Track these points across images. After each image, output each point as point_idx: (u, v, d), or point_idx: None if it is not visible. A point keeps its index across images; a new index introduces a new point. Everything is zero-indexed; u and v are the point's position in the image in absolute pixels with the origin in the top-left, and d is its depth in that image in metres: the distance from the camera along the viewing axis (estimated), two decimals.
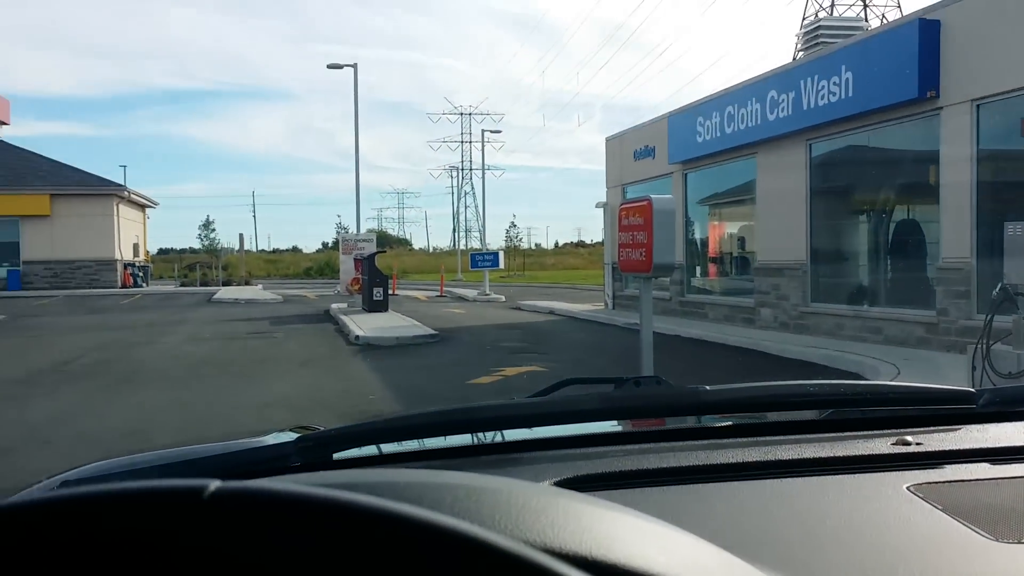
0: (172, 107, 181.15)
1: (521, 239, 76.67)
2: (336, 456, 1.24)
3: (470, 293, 32.19)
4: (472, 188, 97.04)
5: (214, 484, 0.51)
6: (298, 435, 1.28)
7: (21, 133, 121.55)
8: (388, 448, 1.30)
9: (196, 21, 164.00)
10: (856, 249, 14.81)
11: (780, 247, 15.49)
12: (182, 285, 42.92)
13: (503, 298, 29.60)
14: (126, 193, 39.45)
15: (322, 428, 1.35)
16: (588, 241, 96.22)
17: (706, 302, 18.68)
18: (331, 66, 27.84)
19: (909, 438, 1.31)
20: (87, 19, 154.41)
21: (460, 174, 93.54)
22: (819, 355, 12.13)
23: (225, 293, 33.26)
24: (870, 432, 1.38)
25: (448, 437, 1.37)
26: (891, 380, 9.64)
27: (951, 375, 10.06)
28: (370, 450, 1.28)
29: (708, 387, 1.40)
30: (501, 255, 34.25)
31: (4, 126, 18.78)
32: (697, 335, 15.48)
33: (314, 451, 1.23)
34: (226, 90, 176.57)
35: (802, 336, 14.20)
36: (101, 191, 38.02)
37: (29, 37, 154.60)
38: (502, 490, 0.65)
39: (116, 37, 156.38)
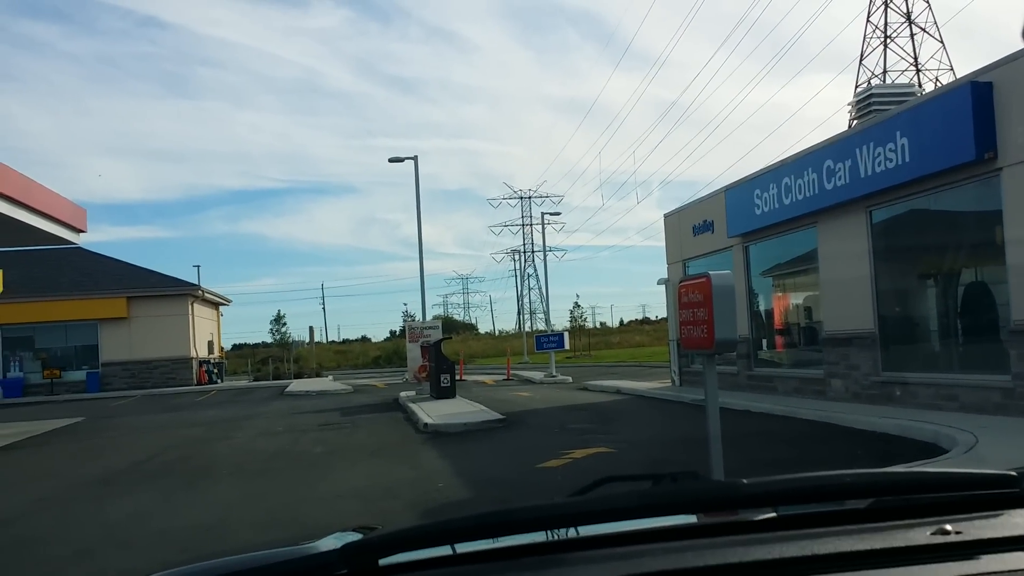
0: (241, 206, 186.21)
1: (585, 319, 76.46)
2: (382, 562, 1.30)
3: (537, 375, 32.15)
4: (535, 270, 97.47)
5: None
6: (359, 536, 1.35)
7: (97, 239, 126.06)
8: (431, 553, 1.36)
9: (260, 123, 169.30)
10: (925, 314, 14.54)
11: (847, 316, 15.28)
12: (255, 380, 43.66)
13: (570, 379, 29.51)
14: (200, 292, 40.53)
15: (380, 528, 1.42)
16: (653, 318, 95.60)
17: (775, 375, 18.41)
18: (392, 160, 28.58)
19: (948, 527, 1.31)
20: (155, 127, 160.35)
21: (522, 257, 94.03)
22: (893, 425, 11.84)
23: (297, 386, 33.75)
24: (910, 521, 1.38)
25: (489, 540, 1.41)
26: (968, 450, 9.38)
27: None
28: (414, 555, 1.34)
29: (746, 480, 1.38)
30: (566, 336, 34.24)
31: (81, 234, 19.54)
32: (767, 409, 15.24)
33: (359, 559, 1.28)
34: (292, 187, 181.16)
35: (875, 406, 13.89)
36: (176, 291, 39.13)
37: (101, 146, 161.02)
38: None
39: (184, 142, 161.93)
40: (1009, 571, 1.17)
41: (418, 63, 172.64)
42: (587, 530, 1.41)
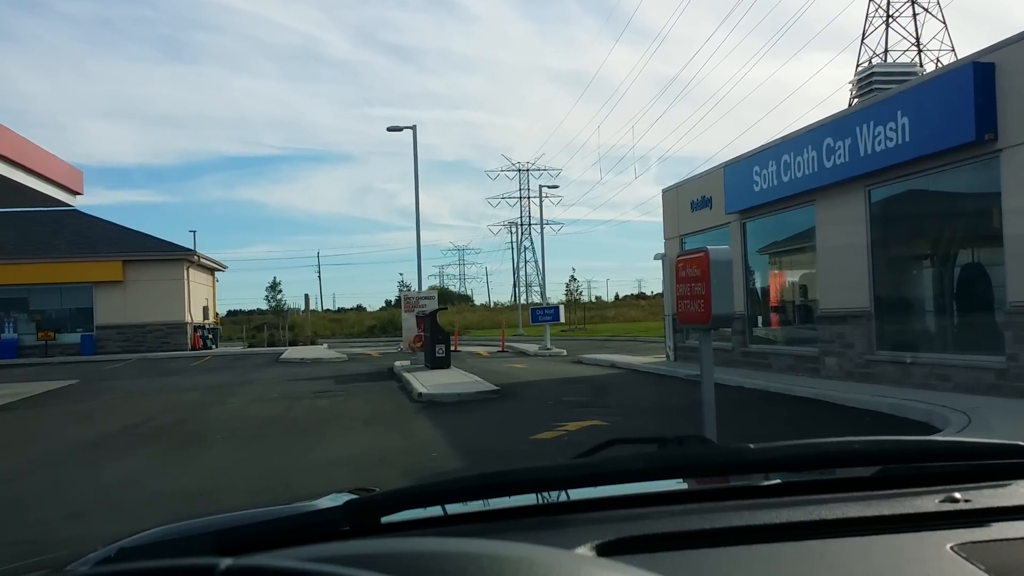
0: (238, 172, 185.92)
1: (581, 292, 76.52)
2: (384, 520, 1.29)
3: (531, 348, 32.20)
4: (531, 243, 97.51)
5: (225, 563, 0.57)
6: (353, 497, 1.34)
7: (94, 202, 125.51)
8: (433, 512, 1.35)
9: (258, 89, 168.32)
10: (921, 294, 14.55)
11: (843, 294, 15.29)
12: (250, 346, 43.67)
13: (564, 352, 29.55)
14: (196, 257, 40.44)
15: (377, 490, 1.41)
16: (648, 293, 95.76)
17: (769, 352, 18.45)
18: (391, 129, 28.36)
19: (957, 495, 1.30)
20: (152, 91, 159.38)
21: (519, 229, 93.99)
22: (886, 404, 11.88)
23: (292, 353, 33.75)
24: (918, 489, 1.37)
25: (492, 500, 1.41)
26: (961, 429, 9.42)
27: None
28: (416, 513, 1.33)
29: (752, 445, 1.37)
30: (561, 309, 34.31)
31: (78, 196, 19.45)
32: (761, 386, 15.28)
33: (362, 516, 1.28)
34: (289, 155, 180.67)
35: (868, 385, 13.93)
36: (171, 256, 39.07)
37: (98, 110, 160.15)
38: (524, 559, 0.69)
39: (181, 107, 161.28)
40: (1019, 539, 1.16)
41: (418, 32, 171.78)
42: (591, 492, 1.40)
